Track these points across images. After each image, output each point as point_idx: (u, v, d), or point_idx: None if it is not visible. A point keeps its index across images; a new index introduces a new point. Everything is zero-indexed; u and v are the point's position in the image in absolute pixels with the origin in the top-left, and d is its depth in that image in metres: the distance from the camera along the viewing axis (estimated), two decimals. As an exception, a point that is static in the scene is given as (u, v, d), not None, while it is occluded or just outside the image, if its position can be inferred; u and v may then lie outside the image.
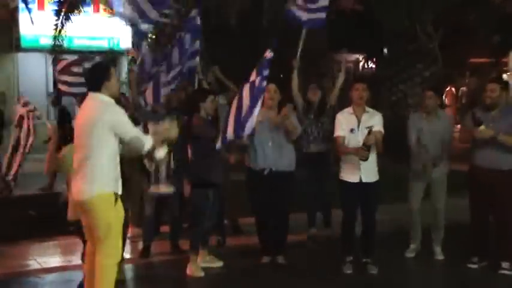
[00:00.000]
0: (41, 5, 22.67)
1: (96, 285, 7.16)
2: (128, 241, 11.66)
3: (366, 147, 9.19)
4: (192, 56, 11.23)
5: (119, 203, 7.27)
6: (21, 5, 21.44)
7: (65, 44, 19.80)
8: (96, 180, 7.11)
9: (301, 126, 10.66)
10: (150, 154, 7.59)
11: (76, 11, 19.25)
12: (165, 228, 11.22)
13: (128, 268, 10.35)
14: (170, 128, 7.72)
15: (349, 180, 9.62)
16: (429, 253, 10.59)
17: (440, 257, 10.53)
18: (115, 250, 7.28)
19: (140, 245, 10.97)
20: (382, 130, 9.68)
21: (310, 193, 11.59)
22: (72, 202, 7.81)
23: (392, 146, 19.56)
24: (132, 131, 7.30)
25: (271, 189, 9.95)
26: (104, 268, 7.15)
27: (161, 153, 7.64)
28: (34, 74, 24.73)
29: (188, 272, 9.67)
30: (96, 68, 7.78)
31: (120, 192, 7.33)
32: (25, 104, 14.16)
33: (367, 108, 9.72)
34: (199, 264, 9.81)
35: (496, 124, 9.32)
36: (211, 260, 10.16)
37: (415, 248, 10.72)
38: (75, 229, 8.16)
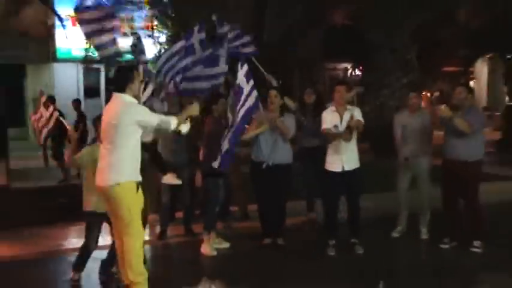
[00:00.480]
0: (73, 22, 22.50)
1: (128, 264, 7.04)
2: (147, 226, 11.64)
3: (349, 129, 9.26)
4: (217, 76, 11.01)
5: (140, 190, 7.17)
6: (57, 23, 21.34)
7: (94, 55, 19.71)
8: (121, 170, 7.03)
9: (299, 124, 10.67)
10: (178, 130, 7.47)
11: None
12: (179, 215, 11.15)
13: (148, 249, 10.24)
14: (193, 107, 7.70)
15: (333, 170, 9.54)
16: (415, 234, 10.55)
17: (425, 236, 10.51)
18: (139, 231, 7.17)
19: (158, 229, 10.88)
20: (362, 120, 9.51)
21: (308, 182, 11.40)
22: (91, 191, 7.80)
23: (377, 142, 19.64)
24: (155, 120, 7.19)
25: (271, 180, 9.89)
26: (133, 248, 7.03)
27: (185, 128, 7.60)
28: (67, 81, 24.63)
29: (203, 251, 9.61)
30: (122, 71, 7.54)
31: (140, 181, 7.21)
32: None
33: (348, 106, 9.62)
34: (212, 245, 9.75)
35: None
36: (219, 241, 10.05)
37: (401, 230, 10.72)
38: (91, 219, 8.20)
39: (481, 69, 31.89)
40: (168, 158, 10.04)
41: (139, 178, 7.20)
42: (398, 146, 10.70)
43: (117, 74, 7.66)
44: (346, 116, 9.42)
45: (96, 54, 11.85)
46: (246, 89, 9.37)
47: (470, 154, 9.62)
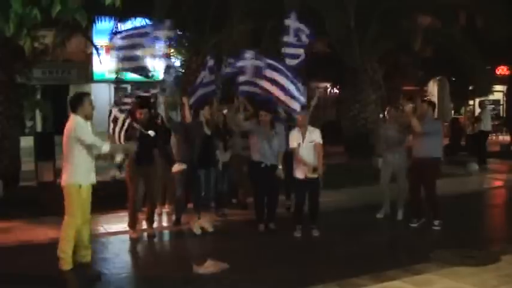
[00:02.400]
0: (107, 51, 22.35)
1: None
2: (164, 214, 11.34)
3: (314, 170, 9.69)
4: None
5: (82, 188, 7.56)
6: (94, 51, 21.25)
7: (123, 77, 19.47)
8: (70, 172, 7.52)
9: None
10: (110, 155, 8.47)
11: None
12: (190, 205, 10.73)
13: (166, 233, 10.11)
14: (129, 147, 8.72)
15: (300, 177, 9.84)
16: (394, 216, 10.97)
17: (400, 217, 11.04)
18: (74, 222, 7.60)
19: (173, 217, 10.75)
20: (321, 141, 9.85)
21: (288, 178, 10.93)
22: None
23: (351, 146, 19.49)
24: (89, 140, 7.48)
25: (267, 177, 10.12)
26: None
27: (118, 157, 9.03)
28: (101, 98, 24.37)
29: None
30: (73, 97, 7.80)
31: (87, 182, 7.63)
32: None
33: (309, 127, 9.91)
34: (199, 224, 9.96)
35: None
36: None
37: (384, 212, 11.35)
38: None
39: (433, 88, 31.88)
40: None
41: (86, 180, 7.61)
42: (381, 149, 11.45)
43: (71, 98, 7.81)
44: (307, 135, 9.78)
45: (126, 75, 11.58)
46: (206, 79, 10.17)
47: (429, 153, 10.24)
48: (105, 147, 7.66)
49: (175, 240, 10.05)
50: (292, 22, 11.54)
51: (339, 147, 20.21)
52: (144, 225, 10.12)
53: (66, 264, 7.56)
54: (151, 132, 9.29)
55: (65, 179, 7.56)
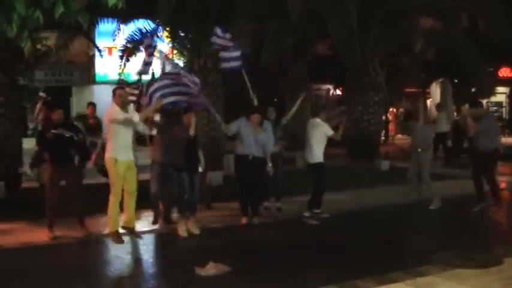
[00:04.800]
0: (109, 52, 22.43)
1: None
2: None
3: None
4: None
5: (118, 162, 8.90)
6: (97, 53, 21.24)
7: (125, 78, 19.53)
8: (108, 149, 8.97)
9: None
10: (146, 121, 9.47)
11: (133, 56, 18.97)
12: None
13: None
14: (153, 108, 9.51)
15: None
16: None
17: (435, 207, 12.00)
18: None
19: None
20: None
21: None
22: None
23: (353, 149, 19.48)
24: (121, 117, 8.84)
25: (252, 169, 10.37)
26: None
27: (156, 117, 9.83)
28: (104, 99, 24.38)
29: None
30: (112, 91, 9.17)
31: (124, 158, 8.96)
32: None
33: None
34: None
35: None
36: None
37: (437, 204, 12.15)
38: None
39: (435, 90, 31.77)
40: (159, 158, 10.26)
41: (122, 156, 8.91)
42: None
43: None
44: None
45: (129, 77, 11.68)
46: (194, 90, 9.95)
47: (487, 146, 11.59)
48: (136, 118, 8.99)
49: (165, 242, 9.86)
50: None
51: (341, 149, 20.18)
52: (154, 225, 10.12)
53: (111, 226, 9.11)
54: (66, 133, 9.51)
55: (106, 156, 9.07)
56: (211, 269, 7.60)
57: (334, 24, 18.04)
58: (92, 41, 20.92)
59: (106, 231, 9.50)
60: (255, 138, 10.38)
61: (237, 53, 11.41)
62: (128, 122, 8.96)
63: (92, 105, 14.05)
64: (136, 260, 8.81)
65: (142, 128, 9.55)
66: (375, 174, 15.98)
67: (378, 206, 12.31)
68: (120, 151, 8.97)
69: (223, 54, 11.51)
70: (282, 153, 11.60)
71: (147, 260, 8.84)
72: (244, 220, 10.53)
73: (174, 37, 18.47)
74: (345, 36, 19.02)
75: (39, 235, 9.68)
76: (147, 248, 9.50)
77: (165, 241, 9.85)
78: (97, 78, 24.87)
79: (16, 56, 14.38)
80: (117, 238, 9.10)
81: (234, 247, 9.17)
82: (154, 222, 10.54)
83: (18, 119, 14.96)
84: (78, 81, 25.11)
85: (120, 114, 8.91)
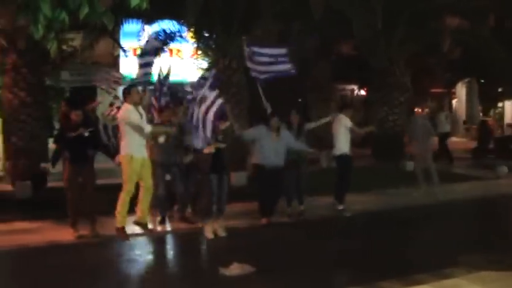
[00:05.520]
0: (134, 53, 22.52)
1: None
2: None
3: None
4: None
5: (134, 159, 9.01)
6: (121, 53, 21.35)
7: (149, 79, 19.58)
8: (123, 146, 9.09)
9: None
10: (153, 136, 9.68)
11: (158, 56, 19.00)
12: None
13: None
14: (168, 130, 9.95)
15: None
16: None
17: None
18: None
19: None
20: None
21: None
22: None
23: (378, 149, 19.38)
24: (134, 122, 8.97)
25: (271, 177, 10.48)
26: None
27: (161, 138, 9.94)
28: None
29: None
30: (124, 89, 9.42)
31: (139, 155, 9.05)
32: None
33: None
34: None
35: None
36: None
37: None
38: None
39: (461, 90, 31.65)
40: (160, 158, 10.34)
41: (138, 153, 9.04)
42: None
43: (123, 90, 9.50)
44: None
45: (152, 78, 11.72)
46: (210, 98, 9.70)
47: None
48: (147, 129, 9.17)
49: (187, 242, 9.87)
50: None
51: (366, 149, 20.10)
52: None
53: (119, 222, 9.11)
54: (86, 132, 9.67)
55: (120, 152, 9.18)
56: (235, 269, 7.61)
57: (358, 24, 17.97)
58: (116, 41, 21.03)
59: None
60: (275, 147, 10.52)
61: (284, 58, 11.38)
62: (138, 129, 9.04)
63: None
64: (160, 259, 8.87)
65: (147, 138, 9.52)
66: (399, 175, 15.85)
67: (403, 207, 12.23)
68: (135, 148, 9.06)
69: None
70: (305, 158, 11.57)
71: (170, 260, 8.89)
72: (264, 221, 10.60)
73: (198, 37, 18.48)
74: (369, 36, 18.93)
75: (65, 234, 9.78)
76: (169, 248, 9.55)
77: (187, 241, 9.88)
78: (122, 79, 24.98)
79: (43, 57, 14.55)
80: (124, 234, 9.22)
81: (258, 247, 9.17)
82: (162, 222, 10.61)
83: (45, 119, 15.12)
84: (103, 81, 25.20)
85: (133, 117, 9.03)
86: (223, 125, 9.88)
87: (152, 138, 9.78)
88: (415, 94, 21.36)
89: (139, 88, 10.63)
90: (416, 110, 17.57)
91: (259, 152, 10.67)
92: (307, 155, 11.66)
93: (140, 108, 9.30)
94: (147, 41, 12.24)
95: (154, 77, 11.97)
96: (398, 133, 19.41)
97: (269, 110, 11.12)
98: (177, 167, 10.50)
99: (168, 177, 10.51)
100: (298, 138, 11.07)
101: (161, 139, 10.01)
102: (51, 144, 10.70)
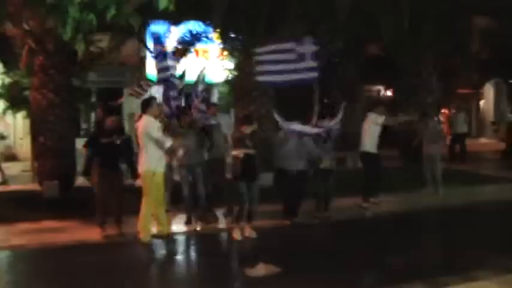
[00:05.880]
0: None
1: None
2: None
3: None
4: None
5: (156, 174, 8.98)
6: (148, 54, 21.47)
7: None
8: (145, 161, 8.96)
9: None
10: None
11: (184, 56, 19.11)
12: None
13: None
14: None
15: None
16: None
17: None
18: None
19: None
20: None
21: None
22: None
23: (405, 150, 19.23)
24: (156, 135, 8.90)
25: (294, 182, 10.59)
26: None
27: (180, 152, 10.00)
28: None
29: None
30: (143, 101, 9.39)
31: (160, 170, 9.05)
32: None
33: None
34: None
35: None
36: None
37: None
38: None
39: (489, 91, 31.35)
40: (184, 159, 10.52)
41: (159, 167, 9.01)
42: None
43: (142, 102, 9.45)
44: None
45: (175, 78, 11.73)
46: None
47: None
48: (167, 144, 9.02)
49: (212, 243, 9.96)
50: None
51: (393, 150, 19.98)
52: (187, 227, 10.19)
53: (145, 236, 9.09)
54: (118, 139, 9.82)
55: (141, 167, 9.05)
56: (261, 270, 7.62)
57: (385, 24, 17.86)
58: (143, 42, 21.16)
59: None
60: (297, 150, 10.58)
61: (314, 64, 11.02)
62: (159, 144, 8.97)
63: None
64: (185, 259, 8.92)
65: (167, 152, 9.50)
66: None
67: (430, 208, 12.16)
68: (156, 163, 9.03)
69: (290, 65, 11.10)
70: (333, 167, 11.46)
71: (195, 260, 8.93)
72: (287, 222, 10.65)
73: (224, 38, 18.52)
74: (396, 36, 18.81)
75: (92, 233, 9.88)
76: (195, 248, 9.59)
77: (213, 241, 9.91)
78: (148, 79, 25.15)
79: (70, 58, 14.70)
80: (149, 248, 9.12)
81: (284, 248, 9.17)
82: (188, 223, 10.68)
83: (72, 120, 15.25)
84: (129, 83, 25.38)
85: (156, 132, 8.96)
86: (249, 129, 9.77)
87: (172, 151, 9.75)
88: (442, 95, 21.18)
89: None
90: (443, 111, 17.50)
91: (282, 154, 10.70)
92: (334, 167, 11.57)
93: (158, 122, 9.30)
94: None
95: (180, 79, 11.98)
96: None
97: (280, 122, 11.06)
98: (200, 167, 10.58)
99: (190, 178, 10.58)
100: (328, 143, 11.12)
101: (180, 152, 10.03)
102: (81, 147, 10.80)
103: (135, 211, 9.29)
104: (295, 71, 10.98)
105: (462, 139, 20.82)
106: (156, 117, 9.17)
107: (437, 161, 13.48)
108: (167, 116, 10.80)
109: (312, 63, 10.95)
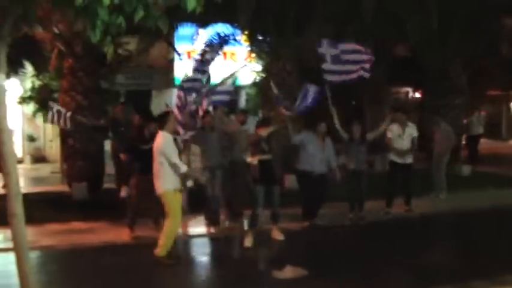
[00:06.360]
0: (188, 56, 22.74)
1: None
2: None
3: None
4: None
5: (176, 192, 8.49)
6: (176, 57, 21.58)
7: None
8: (165, 180, 8.41)
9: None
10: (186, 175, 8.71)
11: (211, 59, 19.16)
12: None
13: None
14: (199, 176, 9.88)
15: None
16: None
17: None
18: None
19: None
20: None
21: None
22: None
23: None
24: (173, 159, 8.40)
25: (315, 184, 10.50)
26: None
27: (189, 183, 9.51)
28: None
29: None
30: (159, 116, 9.02)
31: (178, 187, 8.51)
32: None
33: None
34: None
35: None
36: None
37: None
38: None
39: (520, 93, 30.98)
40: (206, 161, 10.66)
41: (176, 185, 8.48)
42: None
43: (158, 117, 9.07)
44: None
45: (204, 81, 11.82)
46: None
47: None
48: (183, 169, 8.51)
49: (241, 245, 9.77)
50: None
51: (422, 153, 19.80)
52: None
53: (162, 253, 8.38)
54: None
55: (160, 187, 8.50)
56: (288, 273, 7.63)
57: (413, 25, 17.74)
58: (171, 45, 21.27)
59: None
60: (320, 153, 10.57)
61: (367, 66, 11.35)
62: (173, 166, 8.46)
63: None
64: (211, 262, 8.97)
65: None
66: (455, 179, 15.61)
67: (459, 212, 12.05)
68: (175, 180, 8.54)
69: (332, 66, 11.25)
70: (366, 171, 11.59)
71: (222, 262, 8.95)
72: (306, 224, 10.67)
73: (252, 40, 18.55)
74: (424, 37, 18.67)
75: (120, 234, 9.97)
76: (221, 250, 9.63)
77: (239, 243, 9.91)
78: (176, 82, 25.24)
79: (99, 61, 14.86)
80: (168, 261, 8.53)
81: (310, 250, 9.17)
82: (213, 224, 10.78)
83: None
84: (157, 85, 25.54)
85: (171, 150, 8.46)
86: (266, 131, 9.71)
87: (181, 179, 8.98)
88: (472, 97, 20.97)
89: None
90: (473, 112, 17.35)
91: (304, 156, 10.66)
92: (367, 170, 11.71)
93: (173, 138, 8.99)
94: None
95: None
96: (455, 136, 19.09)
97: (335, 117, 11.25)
98: (221, 170, 10.61)
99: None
100: (361, 149, 11.19)
101: (189, 183, 9.86)
102: (122, 155, 10.92)
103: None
104: (356, 71, 11.29)
105: (477, 140, 20.78)
106: (172, 133, 8.81)
107: (443, 164, 13.54)
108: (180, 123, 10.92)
109: (367, 65, 11.33)
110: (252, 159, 9.49)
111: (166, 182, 8.44)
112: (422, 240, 9.84)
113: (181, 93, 11.20)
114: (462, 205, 12.60)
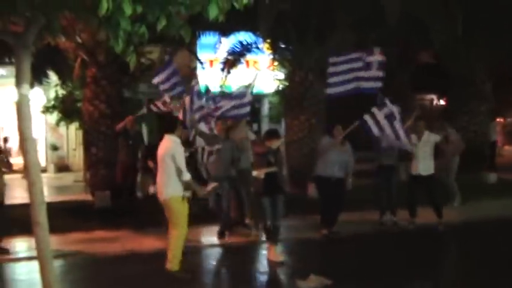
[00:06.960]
0: (211, 64, 22.86)
1: None
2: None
3: None
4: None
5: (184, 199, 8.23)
6: (198, 65, 21.67)
7: (226, 90, 19.83)
8: (171, 186, 8.13)
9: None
10: (187, 184, 8.28)
11: (234, 67, 19.27)
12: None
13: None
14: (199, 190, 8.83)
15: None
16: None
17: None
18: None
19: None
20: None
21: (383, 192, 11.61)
22: None
23: (460, 161, 18.84)
24: (180, 163, 8.12)
25: (334, 190, 10.46)
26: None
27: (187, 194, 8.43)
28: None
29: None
30: (169, 121, 8.74)
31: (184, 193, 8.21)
32: None
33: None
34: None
35: None
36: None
37: None
38: None
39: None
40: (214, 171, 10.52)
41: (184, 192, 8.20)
42: None
43: (167, 122, 8.72)
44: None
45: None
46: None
47: None
48: (186, 176, 8.20)
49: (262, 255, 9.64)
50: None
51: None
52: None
53: (175, 266, 8.13)
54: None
55: (167, 193, 8.19)
56: (312, 282, 7.61)
57: (437, 31, 17.65)
58: (194, 53, 21.39)
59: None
60: (337, 158, 10.50)
61: (379, 73, 10.86)
62: (179, 171, 8.16)
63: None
64: (234, 272, 8.95)
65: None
66: (482, 187, 15.49)
67: (485, 220, 11.91)
68: (181, 186, 8.23)
69: (359, 73, 10.92)
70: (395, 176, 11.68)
71: (244, 273, 8.88)
72: (324, 231, 10.61)
73: (274, 49, 18.59)
74: (449, 43, 18.57)
75: (143, 243, 10.01)
76: (243, 260, 9.57)
77: (259, 253, 9.90)
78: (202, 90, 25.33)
79: (121, 70, 14.99)
80: (182, 275, 8.24)
81: (332, 259, 9.14)
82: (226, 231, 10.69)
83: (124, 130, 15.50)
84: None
85: (181, 158, 8.19)
86: (276, 143, 9.28)
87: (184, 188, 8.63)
88: (497, 103, 20.82)
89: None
90: (498, 119, 17.21)
91: (322, 162, 10.60)
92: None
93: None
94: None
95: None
96: (480, 144, 18.94)
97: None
98: (228, 181, 10.57)
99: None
100: (394, 151, 11.34)
101: (187, 194, 9.79)
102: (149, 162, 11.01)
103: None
104: (361, 79, 10.85)
105: (493, 148, 20.75)
106: (179, 137, 8.51)
107: (451, 172, 13.58)
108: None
109: (378, 73, 10.80)
110: (258, 173, 9.09)
111: (174, 188, 8.17)
112: (445, 249, 9.77)
113: (188, 99, 11.22)
114: (486, 214, 12.47)
